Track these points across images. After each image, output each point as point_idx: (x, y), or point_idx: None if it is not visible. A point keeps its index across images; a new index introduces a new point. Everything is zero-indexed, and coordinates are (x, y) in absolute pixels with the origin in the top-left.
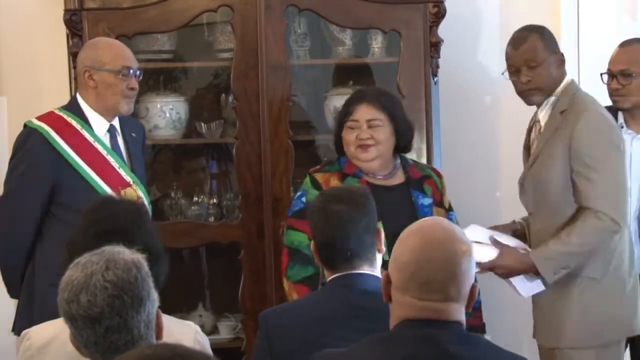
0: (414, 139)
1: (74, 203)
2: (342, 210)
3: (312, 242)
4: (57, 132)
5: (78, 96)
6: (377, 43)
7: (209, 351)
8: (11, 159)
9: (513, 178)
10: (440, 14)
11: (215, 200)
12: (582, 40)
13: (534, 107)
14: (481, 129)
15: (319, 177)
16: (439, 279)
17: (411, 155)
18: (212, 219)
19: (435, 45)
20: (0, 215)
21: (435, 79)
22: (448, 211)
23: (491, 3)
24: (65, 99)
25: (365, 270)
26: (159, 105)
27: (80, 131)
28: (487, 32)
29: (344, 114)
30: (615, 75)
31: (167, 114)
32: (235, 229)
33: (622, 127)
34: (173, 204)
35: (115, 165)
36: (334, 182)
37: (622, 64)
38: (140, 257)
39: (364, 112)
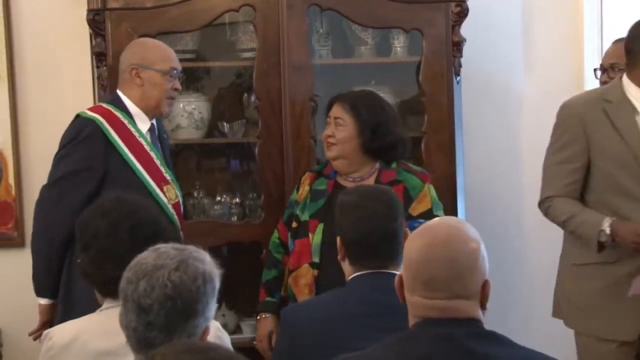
0: (398, 149)
1: None
2: (379, 208)
3: (338, 237)
4: (109, 124)
5: (120, 93)
6: (399, 42)
7: (230, 347)
8: (62, 147)
9: (536, 177)
10: (462, 13)
11: (237, 200)
12: (605, 36)
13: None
14: (503, 127)
15: (304, 175)
16: (441, 276)
17: (435, 155)
18: (234, 218)
19: (457, 45)
20: (46, 203)
21: (457, 78)
22: (409, 219)
23: (513, 1)
24: (88, 99)
25: (390, 269)
26: (181, 105)
27: (127, 126)
28: (509, 30)
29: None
30: (607, 69)
31: (189, 113)
32: (257, 228)
33: None
34: (196, 203)
35: (157, 162)
36: (307, 181)
37: (612, 58)
38: (215, 272)
39: (334, 110)
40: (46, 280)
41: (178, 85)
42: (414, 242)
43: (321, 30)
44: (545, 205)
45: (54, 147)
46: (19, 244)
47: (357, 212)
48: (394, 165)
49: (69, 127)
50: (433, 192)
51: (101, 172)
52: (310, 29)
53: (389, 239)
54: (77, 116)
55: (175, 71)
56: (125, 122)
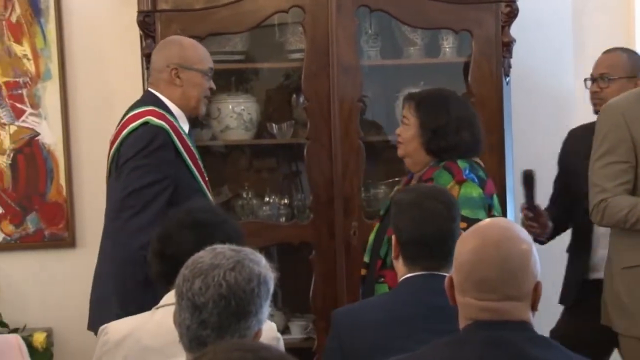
0: (459, 150)
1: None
2: (437, 208)
3: (393, 236)
4: (172, 131)
5: (157, 93)
6: (448, 43)
7: (283, 350)
8: (134, 155)
9: None
10: (512, 14)
11: (286, 201)
12: None
13: None
14: (553, 128)
15: None
16: (493, 277)
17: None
18: (283, 219)
19: (507, 45)
20: (128, 211)
21: (507, 79)
22: None
23: (564, 1)
24: None
25: (442, 271)
26: (230, 106)
27: (180, 130)
28: (560, 30)
29: None
30: (596, 79)
31: (239, 114)
32: (306, 229)
33: None
34: (245, 204)
35: (200, 163)
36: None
37: (602, 68)
38: (270, 275)
39: (404, 109)
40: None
41: (213, 85)
42: (465, 244)
43: (370, 31)
44: (600, 208)
45: (104, 148)
46: (69, 244)
47: (415, 211)
48: (442, 163)
49: (139, 134)
50: (465, 190)
51: (174, 181)
52: (359, 30)
53: (446, 240)
54: (146, 123)
55: (211, 71)
56: (177, 126)
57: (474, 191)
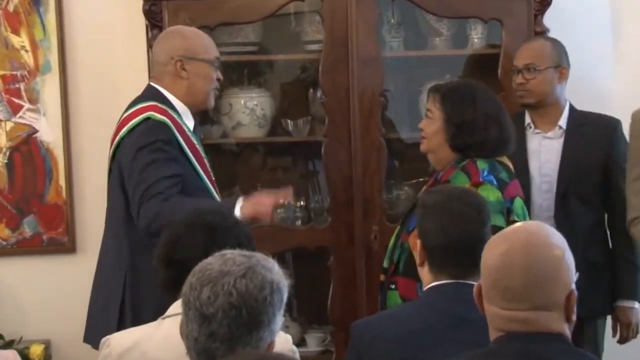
0: (486, 148)
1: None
2: (467, 211)
3: (419, 241)
4: (175, 128)
5: (160, 88)
6: (476, 33)
7: None
8: (141, 148)
9: None
10: (545, 2)
11: (302, 203)
12: None
13: None
14: None
15: None
16: (518, 285)
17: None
18: (299, 222)
19: (542, 35)
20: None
21: None
22: None
23: None
24: None
25: (471, 280)
26: (242, 101)
27: (183, 127)
28: (598, 21)
29: None
30: (521, 70)
31: (251, 110)
32: (323, 233)
33: (530, 127)
34: None
35: (206, 162)
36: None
37: (527, 58)
38: (284, 283)
39: (428, 102)
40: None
41: (220, 75)
42: (492, 249)
43: (392, 21)
44: (634, 224)
45: (107, 147)
46: (69, 249)
47: (441, 214)
48: (463, 162)
49: (142, 129)
50: (482, 193)
51: (181, 178)
52: (381, 20)
53: (475, 245)
54: (148, 118)
55: (218, 60)
56: (180, 122)
57: (491, 194)
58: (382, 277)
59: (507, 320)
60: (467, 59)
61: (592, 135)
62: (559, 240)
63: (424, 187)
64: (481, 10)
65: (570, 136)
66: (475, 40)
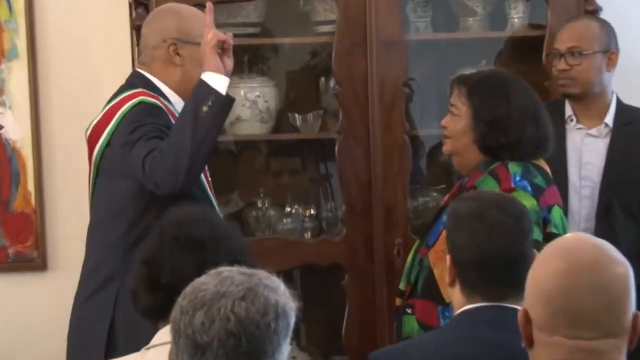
0: (520, 149)
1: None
2: (505, 221)
3: (448, 256)
4: (170, 116)
5: (149, 75)
6: (517, 12)
7: None
8: (137, 126)
9: None
10: None
11: (312, 212)
12: None
13: None
14: None
15: None
16: (593, 310)
17: None
18: (308, 234)
19: (591, 14)
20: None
21: None
22: None
23: None
24: None
25: (509, 302)
26: (242, 92)
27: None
28: None
29: None
30: (564, 54)
31: (253, 102)
32: (337, 247)
33: (571, 120)
34: (260, 215)
35: None
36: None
37: (572, 40)
38: (291, 305)
39: (452, 95)
40: None
41: None
42: (546, 267)
43: None
44: None
45: (84, 145)
46: (39, 266)
47: (477, 224)
48: (492, 166)
49: (134, 112)
50: None
51: None
52: None
53: (515, 261)
54: (139, 103)
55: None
56: (175, 113)
57: (525, 202)
58: (397, 301)
59: (571, 351)
60: (505, 42)
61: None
62: (620, 255)
63: (447, 196)
64: None
65: (618, 136)
66: (516, 20)
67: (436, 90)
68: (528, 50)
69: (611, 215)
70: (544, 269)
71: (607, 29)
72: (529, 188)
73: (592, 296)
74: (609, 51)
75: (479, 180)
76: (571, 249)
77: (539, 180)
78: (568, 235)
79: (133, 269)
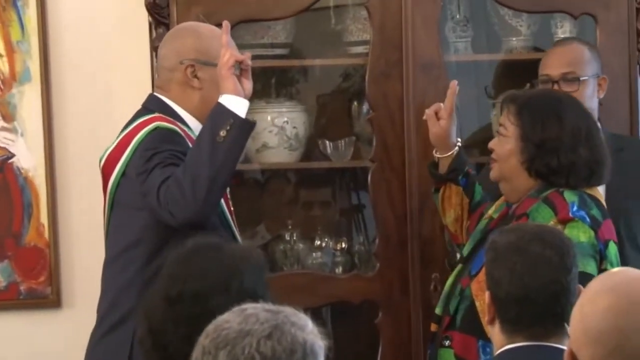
0: (570, 174)
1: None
2: (547, 255)
3: (487, 292)
4: (188, 141)
5: (166, 99)
6: (564, 31)
7: None
8: (150, 157)
9: None
10: None
11: (344, 245)
12: None
13: None
14: None
15: None
16: None
17: None
18: (339, 269)
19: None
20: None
21: None
22: None
23: None
24: None
25: (552, 342)
26: (269, 117)
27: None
28: None
29: None
30: (557, 81)
31: (280, 128)
32: (370, 283)
33: None
34: (288, 249)
35: (227, 193)
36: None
37: (564, 65)
38: (320, 344)
39: (501, 117)
40: None
41: None
42: (600, 304)
43: (458, 16)
44: None
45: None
46: (53, 303)
47: (517, 258)
48: (546, 192)
49: (149, 139)
50: (571, 232)
51: None
52: (444, 15)
53: (558, 298)
54: (155, 129)
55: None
56: (193, 137)
57: (583, 234)
58: (433, 327)
59: None
60: None
61: (635, 164)
62: None
63: (492, 219)
64: (570, 3)
65: (614, 165)
66: None
67: (477, 114)
68: None
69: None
70: (594, 304)
71: (596, 53)
72: (587, 219)
73: None
74: (599, 76)
75: (532, 208)
76: (620, 283)
77: (595, 212)
78: (614, 269)
79: (137, 327)
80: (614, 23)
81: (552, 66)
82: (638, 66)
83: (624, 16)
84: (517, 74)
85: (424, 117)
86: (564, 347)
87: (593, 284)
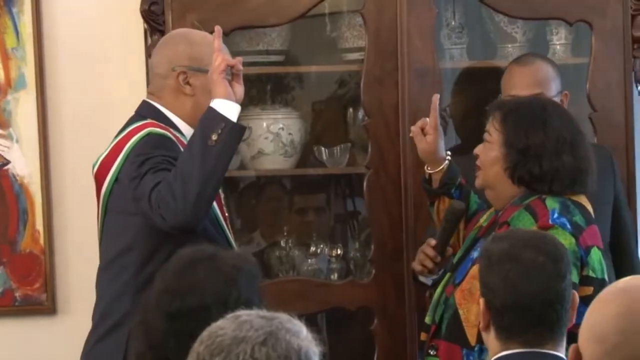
0: (554, 182)
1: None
2: (540, 261)
3: (482, 300)
4: (181, 147)
5: (159, 106)
6: (559, 39)
7: None
8: (142, 163)
9: None
10: None
11: (339, 252)
12: None
13: None
14: None
15: None
16: None
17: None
18: (335, 276)
19: (639, 42)
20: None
21: (639, 87)
22: None
23: None
24: None
25: (547, 349)
26: (265, 124)
27: None
28: None
29: None
30: None
31: (276, 135)
32: (366, 289)
33: None
34: (283, 255)
35: (222, 199)
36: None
37: (533, 86)
38: (314, 350)
39: (488, 124)
40: None
41: None
42: (607, 307)
43: (453, 23)
44: None
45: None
46: (49, 310)
47: (511, 265)
48: (528, 200)
49: (141, 145)
50: None
51: None
52: (439, 22)
53: (552, 304)
54: (148, 134)
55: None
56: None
57: (564, 241)
58: (423, 336)
59: None
60: None
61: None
62: None
63: (476, 230)
64: (565, 10)
65: None
66: (558, 47)
67: (473, 121)
68: (572, 78)
69: None
70: (603, 307)
71: (557, 68)
72: (568, 226)
73: None
74: (562, 92)
75: (513, 216)
76: (632, 287)
77: (578, 218)
78: (631, 277)
79: (135, 342)
80: (610, 30)
81: (521, 86)
82: (633, 73)
83: (619, 23)
84: None
85: (410, 134)
86: (559, 354)
87: (607, 289)
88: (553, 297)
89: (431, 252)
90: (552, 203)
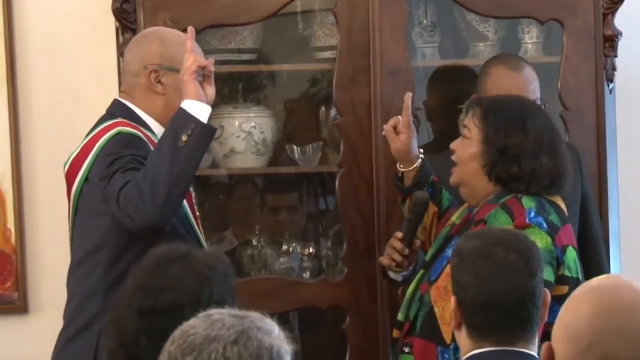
0: (532, 182)
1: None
2: (512, 260)
3: (454, 298)
4: (151, 146)
5: (130, 104)
6: (531, 37)
7: None
8: (111, 163)
9: None
10: None
11: (311, 250)
12: None
13: None
14: None
15: None
16: (625, 355)
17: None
18: (307, 274)
19: (610, 40)
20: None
21: (610, 86)
22: None
23: None
24: None
25: (519, 347)
26: (237, 123)
27: None
28: None
29: None
30: None
31: (248, 134)
32: (338, 288)
33: None
34: (255, 254)
35: (193, 198)
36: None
37: (525, 93)
38: (287, 349)
39: (466, 119)
40: None
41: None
42: (582, 307)
43: (425, 22)
44: None
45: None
46: (21, 309)
47: (483, 264)
48: (505, 198)
49: (111, 144)
50: None
51: None
52: (411, 21)
53: (524, 302)
54: (117, 134)
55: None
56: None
57: (540, 241)
58: (395, 333)
59: None
60: None
61: None
62: None
63: (454, 226)
64: (537, 8)
65: None
66: (530, 46)
67: (445, 120)
68: (543, 77)
69: None
70: (577, 307)
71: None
72: (545, 225)
73: (627, 342)
74: (539, 97)
75: (490, 215)
76: (605, 287)
77: (554, 217)
78: (604, 276)
79: (108, 340)
80: (581, 29)
81: (506, 90)
82: (605, 72)
83: (591, 22)
84: None
85: (383, 134)
86: (531, 352)
87: (580, 289)
88: (524, 295)
89: (399, 245)
90: (528, 202)
